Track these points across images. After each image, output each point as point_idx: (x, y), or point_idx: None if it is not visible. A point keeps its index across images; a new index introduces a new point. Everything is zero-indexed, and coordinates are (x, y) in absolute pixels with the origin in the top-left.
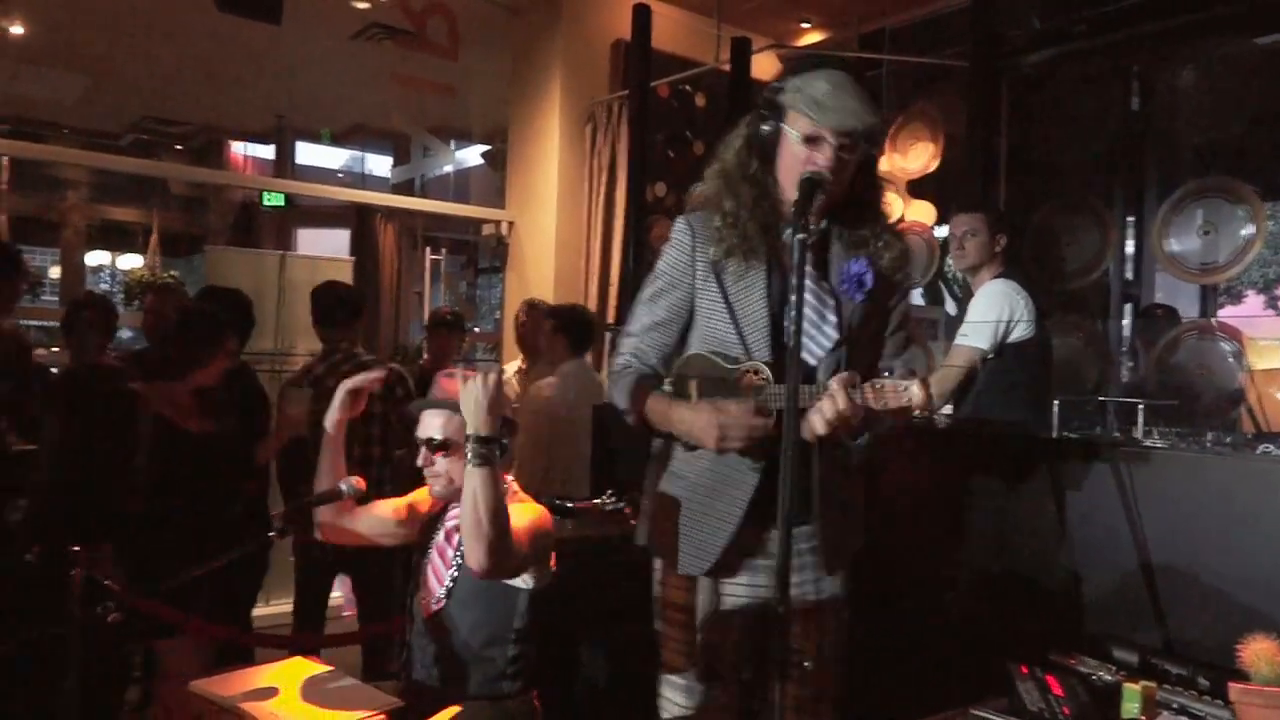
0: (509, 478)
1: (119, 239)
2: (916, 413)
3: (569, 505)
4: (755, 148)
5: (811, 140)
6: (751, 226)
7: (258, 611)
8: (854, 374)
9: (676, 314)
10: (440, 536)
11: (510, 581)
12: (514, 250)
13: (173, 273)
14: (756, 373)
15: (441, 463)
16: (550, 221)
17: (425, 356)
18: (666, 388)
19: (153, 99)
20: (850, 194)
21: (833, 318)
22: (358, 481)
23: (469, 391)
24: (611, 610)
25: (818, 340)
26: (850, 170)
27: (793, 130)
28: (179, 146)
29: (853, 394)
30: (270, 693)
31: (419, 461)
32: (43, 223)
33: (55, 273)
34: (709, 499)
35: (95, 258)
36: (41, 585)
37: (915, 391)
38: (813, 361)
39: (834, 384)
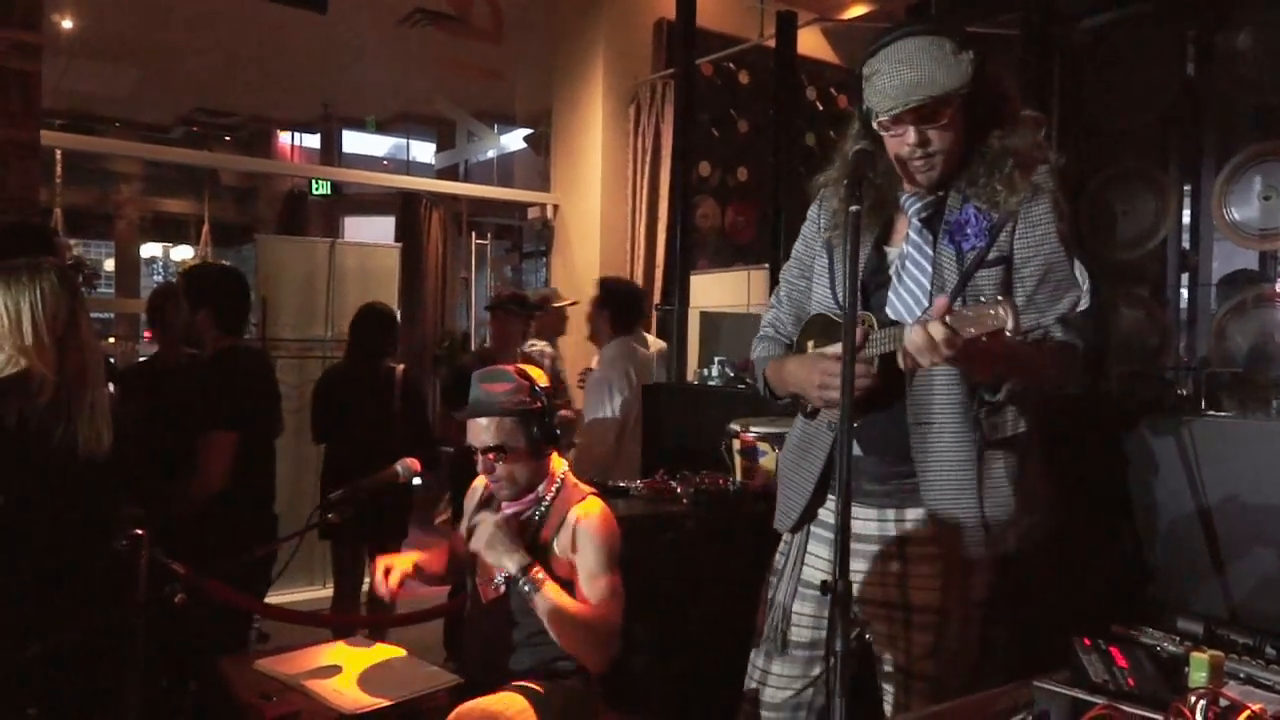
0: (564, 470)
1: (171, 230)
2: (1009, 333)
3: (621, 487)
4: (863, 127)
5: (886, 126)
6: (871, 206)
7: (321, 593)
8: (944, 301)
9: (806, 287)
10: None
11: (567, 578)
12: (559, 233)
13: (225, 262)
14: (863, 322)
15: (501, 468)
16: (595, 204)
17: (489, 340)
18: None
19: (202, 91)
20: (970, 147)
21: (924, 281)
22: (412, 463)
23: (481, 543)
24: (664, 588)
25: (906, 304)
26: (950, 132)
27: (874, 113)
28: (228, 137)
29: (940, 314)
30: (332, 670)
31: (479, 468)
32: (97, 215)
33: (110, 265)
34: (798, 459)
35: (148, 249)
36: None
37: (1001, 313)
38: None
39: (914, 322)
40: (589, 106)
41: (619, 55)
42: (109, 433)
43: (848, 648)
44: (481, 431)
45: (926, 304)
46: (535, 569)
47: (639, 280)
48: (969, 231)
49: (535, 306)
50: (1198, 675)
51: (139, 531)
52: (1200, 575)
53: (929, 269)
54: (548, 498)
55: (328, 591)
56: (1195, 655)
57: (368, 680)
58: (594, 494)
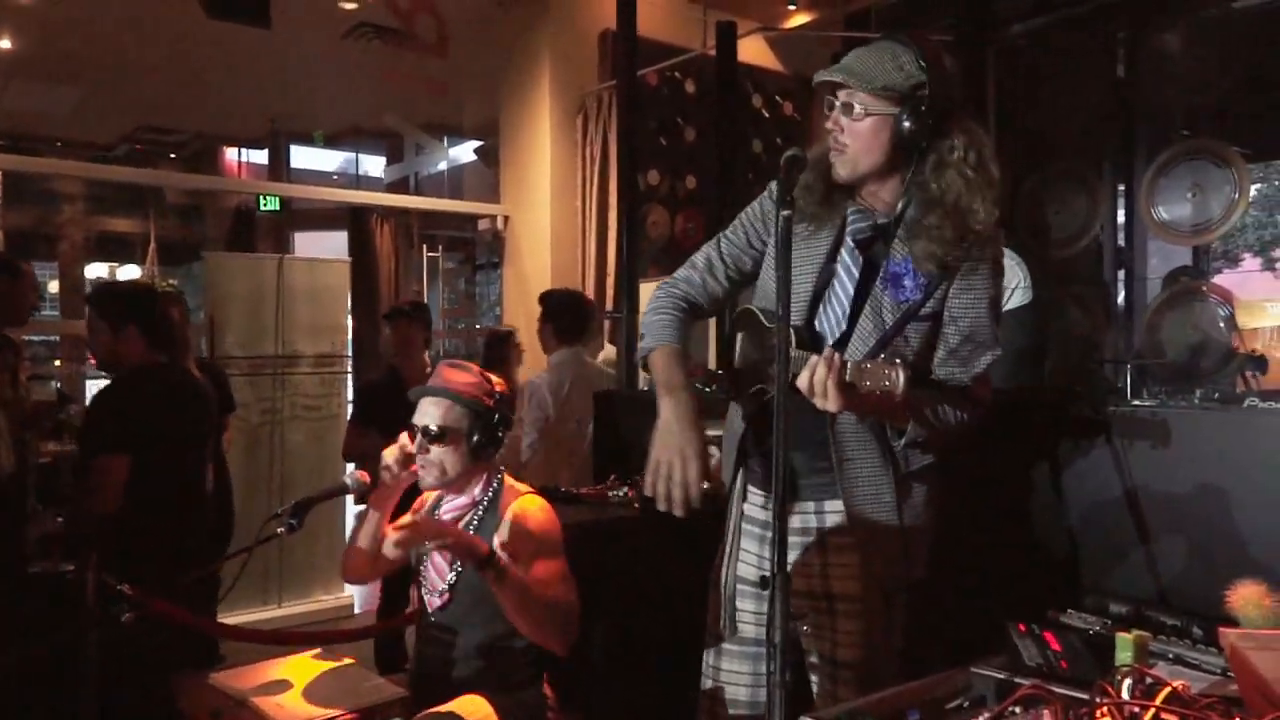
0: (500, 474)
1: (117, 250)
2: (896, 396)
3: (571, 493)
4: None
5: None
6: (821, 199)
7: (275, 613)
8: (836, 352)
9: (733, 260)
10: None
11: None
12: (510, 244)
13: (171, 281)
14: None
15: (436, 451)
16: (545, 214)
17: (390, 350)
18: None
19: (146, 108)
20: (905, 175)
21: (843, 305)
22: (362, 475)
23: (432, 539)
24: (615, 592)
25: (828, 323)
26: (862, 134)
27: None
28: (174, 155)
29: (828, 368)
30: (283, 686)
31: (413, 448)
32: (40, 236)
33: (54, 286)
34: (727, 444)
35: (94, 269)
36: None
37: (898, 377)
38: (829, 340)
39: (819, 356)
40: (536, 117)
41: (565, 66)
42: (9, 455)
43: (787, 641)
44: (429, 410)
45: (844, 326)
46: (492, 562)
47: (590, 289)
48: (906, 284)
49: (418, 312)
50: (1123, 655)
51: (87, 551)
52: (1130, 560)
53: (849, 295)
54: (485, 500)
55: (282, 610)
56: (1121, 636)
57: (318, 694)
58: (531, 492)
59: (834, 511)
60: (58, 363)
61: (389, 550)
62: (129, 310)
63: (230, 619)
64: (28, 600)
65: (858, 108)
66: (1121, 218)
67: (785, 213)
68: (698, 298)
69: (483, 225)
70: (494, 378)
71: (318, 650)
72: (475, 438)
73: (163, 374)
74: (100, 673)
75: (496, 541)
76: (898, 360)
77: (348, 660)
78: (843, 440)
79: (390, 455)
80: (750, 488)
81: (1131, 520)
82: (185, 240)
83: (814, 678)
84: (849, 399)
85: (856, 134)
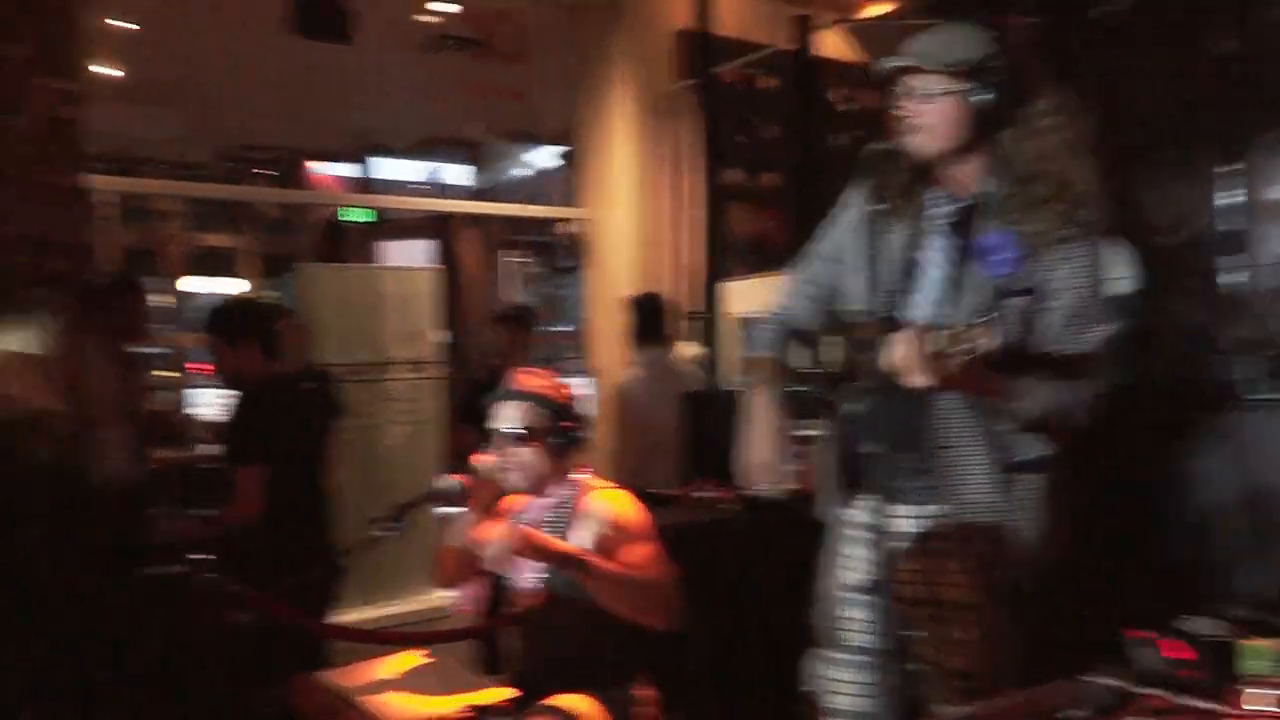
0: (589, 471)
1: (217, 264)
2: (986, 355)
3: (661, 494)
4: None
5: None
6: (900, 191)
7: (374, 613)
8: (921, 324)
9: (817, 278)
10: None
11: None
12: (592, 247)
13: (273, 293)
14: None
15: (518, 452)
16: (625, 215)
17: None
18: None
19: (238, 127)
20: (971, 146)
21: (939, 290)
22: (457, 478)
23: (514, 546)
24: (715, 594)
25: (923, 310)
26: (938, 115)
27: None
28: (266, 171)
29: (915, 341)
30: (389, 685)
31: (495, 454)
32: (148, 253)
33: (163, 301)
34: (825, 452)
35: (196, 284)
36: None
37: (988, 337)
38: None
39: (903, 333)
40: (613, 120)
41: (641, 67)
42: (127, 465)
43: (895, 649)
44: (508, 413)
45: (936, 312)
46: (571, 565)
47: (671, 290)
48: (999, 260)
49: (523, 316)
50: (1254, 663)
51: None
52: (1254, 562)
53: (946, 280)
54: (566, 499)
55: (381, 610)
56: (1250, 643)
57: (424, 694)
58: (612, 486)
59: (939, 514)
60: (169, 374)
61: (488, 563)
62: (246, 326)
63: (333, 619)
64: (147, 602)
65: (930, 88)
66: (1231, 200)
67: (872, 207)
68: (796, 324)
69: (563, 229)
70: (564, 382)
71: (421, 650)
72: (554, 438)
73: (287, 385)
74: (217, 673)
75: (583, 538)
76: (988, 319)
77: (450, 660)
78: (943, 430)
79: (480, 461)
80: (851, 492)
81: (1252, 520)
82: (279, 253)
83: (925, 686)
84: (940, 371)
85: (931, 115)
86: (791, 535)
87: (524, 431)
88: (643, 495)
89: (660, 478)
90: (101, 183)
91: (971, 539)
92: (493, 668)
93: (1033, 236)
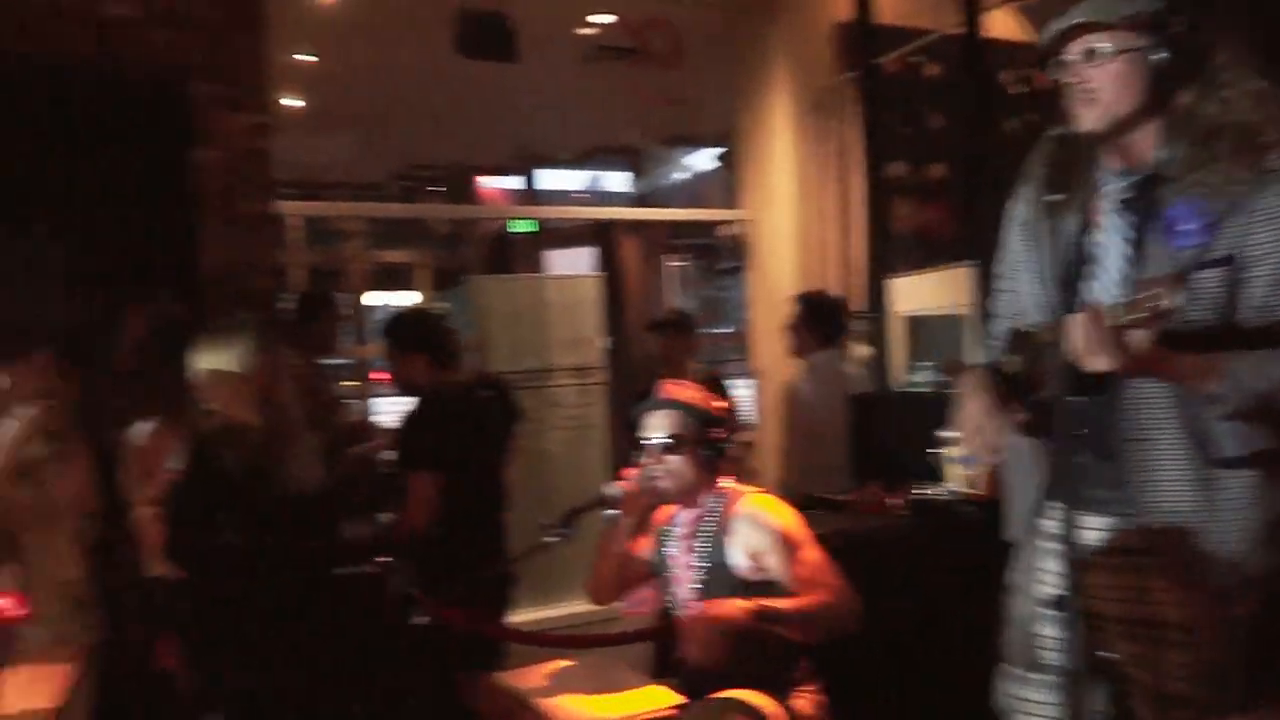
0: (731, 482)
1: (393, 279)
2: (1166, 313)
3: (831, 499)
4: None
5: (1052, 64)
6: (1070, 173)
7: (544, 614)
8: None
9: (1017, 288)
10: (673, 544)
11: (764, 577)
12: (753, 248)
13: (443, 304)
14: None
15: (668, 461)
16: (787, 215)
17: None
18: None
19: (411, 148)
20: (1167, 113)
21: (1121, 273)
22: (624, 485)
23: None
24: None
25: (1103, 298)
26: (1113, 75)
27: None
28: (437, 188)
29: (1093, 318)
30: (562, 686)
31: (645, 463)
32: (330, 272)
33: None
34: (1019, 465)
35: (375, 298)
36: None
37: (1169, 294)
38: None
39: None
40: (772, 118)
41: (799, 63)
42: (315, 472)
43: (1089, 668)
44: (657, 421)
45: (1118, 296)
46: (754, 607)
47: (836, 288)
48: (1185, 230)
49: (682, 323)
50: None
51: (386, 559)
52: None
53: (1128, 260)
54: (713, 509)
55: (553, 612)
56: None
57: (596, 697)
58: (758, 491)
59: (1134, 521)
60: (354, 383)
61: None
62: (414, 336)
63: (518, 618)
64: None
65: (1103, 48)
66: None
67: (1045, 198)
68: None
69: (724, 231)
70: (713, 394)
71: (591, 652)
72: (702, 448)
73: (458, 393)
74: (397, 672)
75: (737, 546)
76: (1167, 275)
77: (615, 661)
78: (1136, 423)
79: (630, 473)
80: (1045, 501)
81: None
82: (450, 266)
83: (1141, 710)
84: (1124, 349)
85: (1106, 78)
86: (964, 541)
87: (672, 440)
88: (809, 501)
89: (827, 482)
90: (289, 207)
91: (1175, 548)
92: (660, 670)
93: (1221, 196)
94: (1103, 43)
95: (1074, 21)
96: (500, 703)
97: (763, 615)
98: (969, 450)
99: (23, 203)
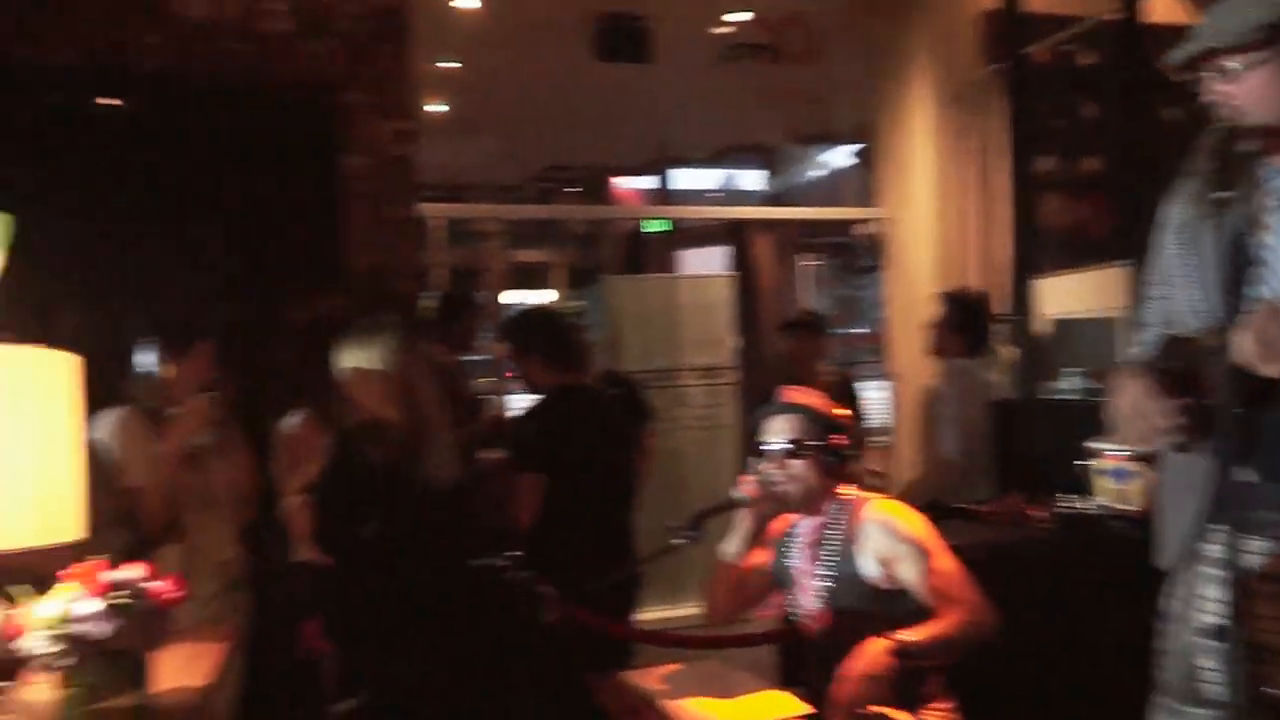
0: (852, 489)
1: (530, 278)
2: None
3: (969, 509)
4: None
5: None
6: (1229, 171)
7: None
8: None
9: (1172, 295)
10: (794, 554)
11: (895, 586)
12: (890, 246)
13: (577, 303)
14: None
15: (790, 466)
16: (927, 212)
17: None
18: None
19: (548, 150)
20: None
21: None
22: (748, 489)
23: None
24: (1031, 626)
25: (1277, 296)
26: (1269, 87)
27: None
28: (573, 189)
29: (1267, 317)
30: (689, 688)
31: (765, 468)
32: (470, 271)
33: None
34: (1175, 485)
35: (513, 296)
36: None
37: None
38: None
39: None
40: (913, 113)
41: (941, 55)
42: (452, 468)
43: (1252, 704)
44: (779, 427)
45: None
46: (894, 647)
47: (979, 289)
48: None
49: (814, 324)
50: None
51: (516, 554)
52: None
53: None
54: (836, 517)
55: (678, 611)
56: None
57: (722, 702)
58: (880, 497)
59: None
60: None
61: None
62: (530, 337)
63: (649, 616)
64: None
65: (1236, 66)
66: None
67: (1211, 195)
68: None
69: (860, 230)
70: (833, 397)
71: (713, 654)
72: (824, 454)
73: (572, 394)
74: (528, 666)
75: (867, 553)
76: None
77: (733, 666)
78: None
79: (749, 480)
80: (1207, 524)
81: None
82: (586, 265)
83: None
84: None
85: (1246, 92)
86: (1115, 557)
87: (792, 446)
88: (943, 510)
89: (967, 491)
90: (431, 210)
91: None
92: (786, 677)
93: None
94: (1233, 61)
95: (1200, 48)
96: (628, 702)
97: (904, 653)
98: (1127, 438)
99: (188, 209)
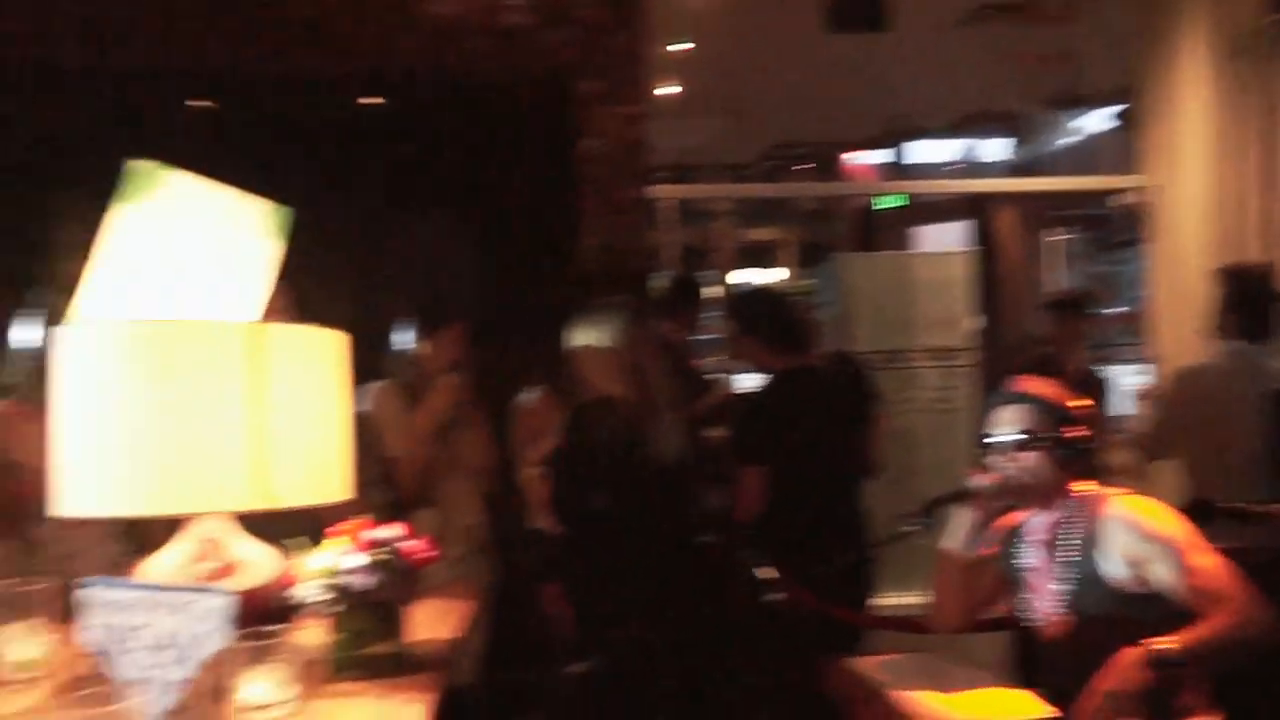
0: (1090, 483)
1: (760, 257)
2: None
3: (1239, 509)
4: None
5: None
6: None
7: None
8: None
9: None
10: (1026, 551)
11: (1147, 590)
12: (1155, 218)
13: (808, 281)
14: None
15: (1022, 459)
16: (1198, 179)
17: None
18: None
19: (779, 127)
20: None
21: None
22: (988, 477)
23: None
24: None
25: None
26: None
27: None
28: (804, 165)
29: None
30: (920, 681)
31: (994, 461)
32: (700, 250)
33: (712, 291)
34: None
35: (742, 275)
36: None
37: None
38: None
39: None
40: (1183, 69)
41: (1215, 4)
42: (678, 446)
43: None
44: (1010, 417)
45: None
46: (1147, 657)
47: (1260, 263)
48: None
49: (1080, 302)
50: None
51: (736, 534)
52: None
53: None
54: (1073, 514)
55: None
56: None
57: (958, 695)
58: (1126, 492)
59: None
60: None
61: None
62: (750, 318)
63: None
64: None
65: None
66: None
67: None
68: None
69: (1118, 200)
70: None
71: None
72: (1057, 446)
73: (795, 377)
74: (752, 648)
75: (1113, 552)
76: None
77: (955, 661)
78: None
79: (979, 475)
80: None
81: None
82: (816, 242)
83: None
84: None
85: None
86: None
87: (1024, 437)
88: (1208, 510)
89: (1236, 490)
90: (662, 191)
91: None
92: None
93: None
94: None
95: None
96: (855, 690)
97: (1160, 663)
98: None
99: (440, 196)
